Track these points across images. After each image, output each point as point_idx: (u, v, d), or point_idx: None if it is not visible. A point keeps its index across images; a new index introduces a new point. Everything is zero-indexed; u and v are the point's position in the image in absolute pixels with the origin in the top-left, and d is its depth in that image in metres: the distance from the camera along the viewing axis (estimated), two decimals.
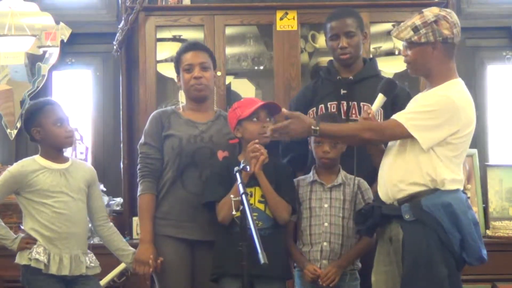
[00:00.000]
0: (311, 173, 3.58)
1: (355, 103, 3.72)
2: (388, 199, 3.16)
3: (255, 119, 3.48)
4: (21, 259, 3.52)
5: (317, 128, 3.14)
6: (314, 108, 3.78)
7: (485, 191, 4.73)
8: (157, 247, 3.60)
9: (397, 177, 3.12)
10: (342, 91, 3.75)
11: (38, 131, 3.53)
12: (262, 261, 2.70)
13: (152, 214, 3.62)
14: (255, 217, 3.29)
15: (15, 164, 3.58)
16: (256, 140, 3.43)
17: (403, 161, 3.12)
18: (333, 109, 3.74)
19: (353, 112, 3.72)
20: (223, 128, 3.69)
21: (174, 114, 3.71)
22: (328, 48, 3.82)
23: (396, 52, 4.87)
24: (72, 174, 3.56)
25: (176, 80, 3.79)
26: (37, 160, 3.55)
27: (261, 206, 3.45)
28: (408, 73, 3.25)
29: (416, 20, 3.13)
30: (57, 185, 3.50)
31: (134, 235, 4.56)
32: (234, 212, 3.10)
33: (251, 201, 3.37)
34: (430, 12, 3.14)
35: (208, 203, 3.48)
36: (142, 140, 3.71)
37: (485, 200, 4.71)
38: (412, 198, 3.08)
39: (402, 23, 3.18)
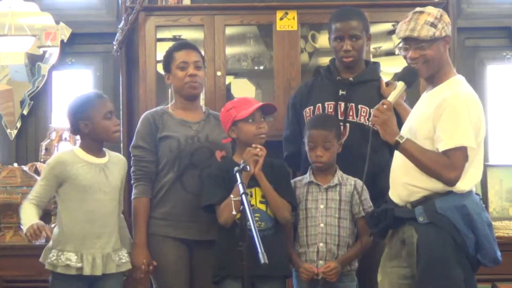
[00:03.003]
0: (307, 174, 3.58)
1: (353, 104, 3.71)
2: (400, 202, 3.14)
3: (250, 120, 3.48)
4: (48, 264, 3.46)
5: (402, 140, 3.06)
6: (312, 107, 3.78)
7: (485, 191, 4.73)
8: (156, 248, 3.60)
9: (410, 179, 3.10)
10: (341, 92, 3.74)
11: (86, 124, 3.47)
12: (262, 261, 2.70)
13: (147, 218, 3.62)
14: (257, 218, 3.31)
15: (52, 157, 3.54)
16: (254, 145, 3.42)
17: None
18: (330, 109, 3.73)
19: (351, 113, 3.71)
20: (215, 127, 3.71)
21: (165, 114, 3.72)
22: (331, 47, 3.82)
23: (396, 52, 4.86)
24: (110, 170, 3.52)
25: (165, 78, 3.78)
26: (76, 153, 3.50)
27: (263, 207, 3.45)
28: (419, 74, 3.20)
29: (427, 17, 3.11)
30: (96, 182, 3.46)
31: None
32: (234, 213, 3.10)
33: (252, 202, 3.37)
34: (431, 10, 3.15)
35: (207, 205, 3.47)
36: (134, 142, 3.69)
37: (485, 200, 4.70)
38: (426, 200, 3.06)
39: (409, 24, 3.12)
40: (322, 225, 3.48)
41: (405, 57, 3.20)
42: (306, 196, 3.54)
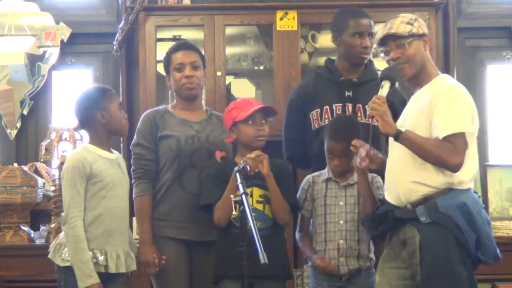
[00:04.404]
0: (325, 170, 3.57)
1: (360, 105, 3.71)
2: (400, 203, 3.13)
3: (250, 121, 3.47)
4: (62, 260, 3.35)
5: (403, 129, 3.07)
6: (318, 109, 3.77)
7: (485, 191, 4.72)
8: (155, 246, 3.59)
9: (411, 178, 3.09)
10: (347, 93, 3.75)
11: (103, 115, 3.41)
12: (262, 261, 2.70)
13: (150, 215, 3.61)
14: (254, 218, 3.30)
15: (69, 158, 3.44)
16: (253, 154, 3.40)
17: (415, 162, 3.09)
18: (339, 111, 3.73)
19: (359, 114, 3.71)
20: (216, 128, 3.70)
21: (167, 113, 3.71)
22: (344, 43, 3.78)
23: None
24: (122, 165, 3.50)
25: (166, 80, 3.80)
26: (91, 149, 3.43)
27: (260, 207, 3.44)
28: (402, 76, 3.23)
29: (402, 18, 3.21)
30: (117, 177, 3.42)
31: (135, 235, 4.55)
32: (234, 212, 3.09)
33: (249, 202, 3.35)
34: (406, 14, 3.27)
35: (205, 205, 3.47)
36: (135, 140, 3.69)
37: (485, 200, 4.70)
38: (427, 200, 3.06)
39: (386, 26, 3.20)
40: (341, 222, 3.47)
41: (388, 62, 3.23)
42: (325, 193, 3.53)
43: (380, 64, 4.47)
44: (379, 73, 3.94)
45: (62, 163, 4.53)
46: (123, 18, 4.74)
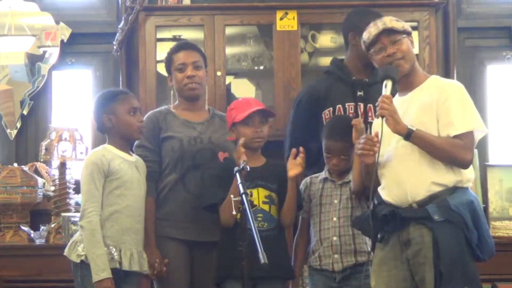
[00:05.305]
0: (323, 171, 3.58)
1: (371, 105, 3.71)
2: (404, 202, 3.12)
3: (249, 123, 3.47)
4: (77, 256, 3.39)
5: (414, 128, 3.06)
6: (331, 108, 3.77)
7: (485, 191, 4.72)
8: (157, 248, 3.59)
9: (430, 179, 3.09)
10: (358, 93, 3.75)
11: (110, 118, 3.47)
12: (262, 261, 2.70)
13: (153, 217, 3.61)
14: (260, 218, 3.31)
15: (89, 156, 3.50)
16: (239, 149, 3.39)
17: (425, 161, 3.10)
18: (351, 110, 3.74)
19: (370, 114, 3.71)
20: (219, 128, 3.71)
21: (169, 114, 3.71)
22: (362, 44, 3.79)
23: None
24: (141, 168, 3.53)
25: (168, 80, 3.80)
26: (109, 149, 3.48)
27: (266, 207, 3.44)
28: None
29: (390, 17, 3.24)
30: (134, 178, 3.47)
31: None
32: (234, 212, 3.09)
33: (255, 202, 3.35)
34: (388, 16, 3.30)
35: (208, 206, 3.47)
36: (137, 142, 3.69)
37: (485, 200, 4.70)
38: (432, 199, 3.07)
39: (377, 24, 3.20)
40: (335, 219, 3.47)
41: (381, 60, 3.21)
42: (321, 192, 3.54)
43: None
44: None
45: (62, 163, 4.55)
46: (123, 18, 4.74)
